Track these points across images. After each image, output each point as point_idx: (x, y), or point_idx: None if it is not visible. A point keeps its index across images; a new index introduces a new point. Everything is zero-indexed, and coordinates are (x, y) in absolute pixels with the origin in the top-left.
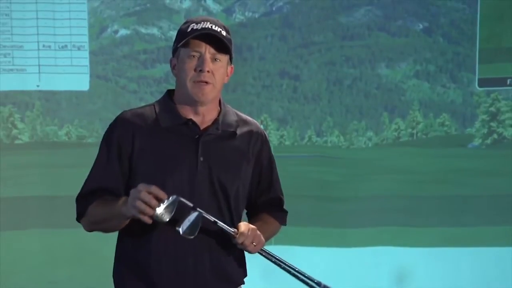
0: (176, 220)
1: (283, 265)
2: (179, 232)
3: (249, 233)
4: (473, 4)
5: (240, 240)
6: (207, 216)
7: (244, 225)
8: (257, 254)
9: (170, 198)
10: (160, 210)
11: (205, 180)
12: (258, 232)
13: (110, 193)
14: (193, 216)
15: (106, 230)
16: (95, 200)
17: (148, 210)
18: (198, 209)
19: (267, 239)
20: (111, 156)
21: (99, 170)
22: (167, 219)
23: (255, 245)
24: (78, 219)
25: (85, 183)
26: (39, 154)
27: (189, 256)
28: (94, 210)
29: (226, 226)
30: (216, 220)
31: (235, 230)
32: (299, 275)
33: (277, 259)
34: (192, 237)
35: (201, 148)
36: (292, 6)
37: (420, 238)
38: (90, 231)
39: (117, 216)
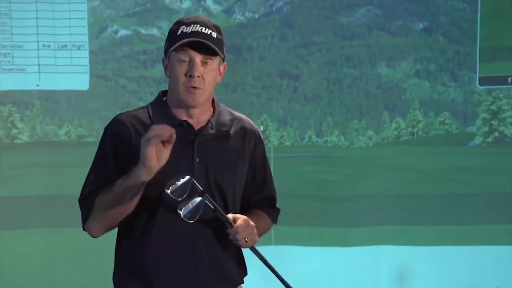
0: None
1: (268, 265)
2: (180, 215)
3: (245, 229)
4: (474, 3)
5: (233, 233)
6: (208, 203)
7: (242, 220)
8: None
9: (185, 178)
10: (174, 188)
11: (202, 181)
12: (255, 231)
13: None
14: (196, 200)
15: (114, 218)
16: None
17: (165, 131)
18: (206, 194)
19: (260, 235)
20: (109, 158)
21: (98, 173)
22: (180, 198)
23: (246, 242)
24: (84, 223)
25: (85, 187)
26: (39, 154)
27: (188, 257)
28: (101, 199)
29: (225, 215)
30: (217, 206)
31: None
32: (280, 277)
33: (264, 258)
34: (192, 221)
35: (196, 149)
36: (292, 6)
37: (421, 236)
38: (96, 236)
39: (130, 187)
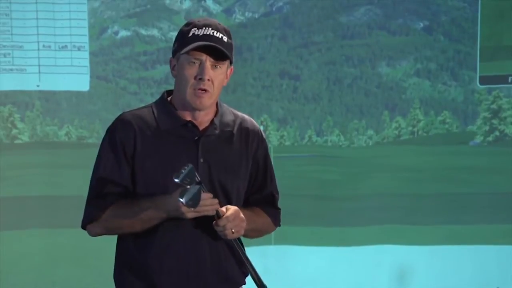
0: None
1: (247, 262)
2: (182, 203)
3: (234, 219)
4: (474, 2)
5: (221, 223)
6: (204, 190)
7: (232, 211)
8: (256, 254)
9: (188, 166)
10: (182, 176)
11: (205, 181)
12: (244, 224)
13: (121, 193)
14: (194, 188)
15: (117, 234)
16: (110, 205)
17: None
18: (202, 184)
19: (255, 232)
20: (118, 156)
21: (107, 171)
22: (189, 186)
23: (233, 233)
24: (87, 224)
25: (93, 186)
26: (39, 154)
27: (191, 257)
28: (114, 216)
29: (219, 208)
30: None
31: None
32: (255, 276)
33: (244, 254)
34: (193, 208)
35: (201, 149)
36: (292, 6)
37: (421, 236)
38: (95, 236)
39: (148, 219)
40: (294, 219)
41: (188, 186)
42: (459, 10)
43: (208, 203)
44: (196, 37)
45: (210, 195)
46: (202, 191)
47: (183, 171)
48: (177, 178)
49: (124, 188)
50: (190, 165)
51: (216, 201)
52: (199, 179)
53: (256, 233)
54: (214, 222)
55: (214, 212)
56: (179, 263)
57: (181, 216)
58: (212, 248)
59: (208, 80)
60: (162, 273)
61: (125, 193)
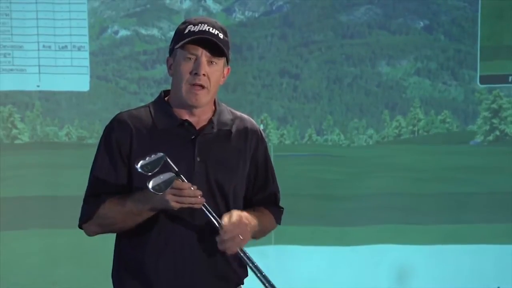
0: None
1: (254, 267)
2: (148, 187)
3: (237, 226)
4: (474, 2)
5: (227, 233)
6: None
7: (236, 216)
8: (256, 254)
9: (157, 155)
10: (143, 162)
11: (202, 180)
12: (247, 228)
13: (117, 193)
14: (167, 175)
15: (113, 231)
16: (103, 202)
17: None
18: (181, 175)
19: (260, 231)
20: (113, 157)
21: (103, 171)
22: (149, 173)
23: (241, 239)
24: (83, 223)
25: (90, 185)
26: (39, 154)
27: (187, 256)
28: (107, 212)
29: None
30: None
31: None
32: (264, 280)
33: (251, 260)
34: (159, 193)
35: (197, 148)
36: (292, 5)
37: (421, 235)
38: (92, 235)
39: (138, 213)
40: (294, 218)
41: (149, 174)
42: (459, 9)
43: (191, 194)
44: (192, 33)
45: (189, 184)
46: (177, 179)
47: (148, 158)
48: (137, 164)
49: (120, 187)
50: (160, 154)
51: (200, 192)
52: (176, 169)
53: (263, 234)
54: (218, 236)
55: (200, 206)
56: (175, 261)
57: (167, 206)
58: (209, 247)
59: (204, 75)
60: (158, 271)
61: (121, 192)
